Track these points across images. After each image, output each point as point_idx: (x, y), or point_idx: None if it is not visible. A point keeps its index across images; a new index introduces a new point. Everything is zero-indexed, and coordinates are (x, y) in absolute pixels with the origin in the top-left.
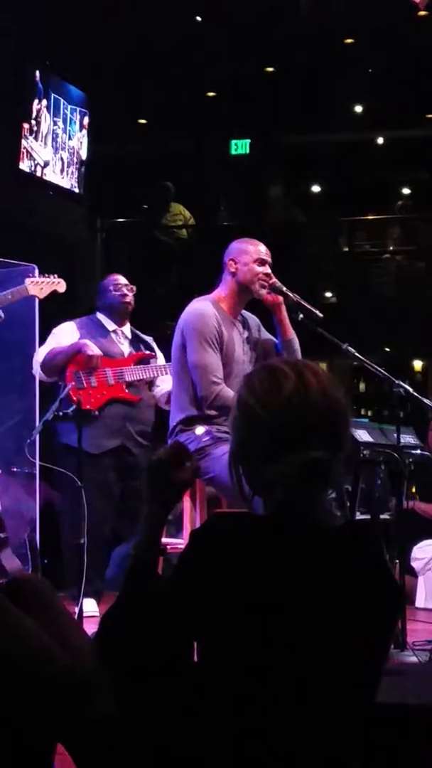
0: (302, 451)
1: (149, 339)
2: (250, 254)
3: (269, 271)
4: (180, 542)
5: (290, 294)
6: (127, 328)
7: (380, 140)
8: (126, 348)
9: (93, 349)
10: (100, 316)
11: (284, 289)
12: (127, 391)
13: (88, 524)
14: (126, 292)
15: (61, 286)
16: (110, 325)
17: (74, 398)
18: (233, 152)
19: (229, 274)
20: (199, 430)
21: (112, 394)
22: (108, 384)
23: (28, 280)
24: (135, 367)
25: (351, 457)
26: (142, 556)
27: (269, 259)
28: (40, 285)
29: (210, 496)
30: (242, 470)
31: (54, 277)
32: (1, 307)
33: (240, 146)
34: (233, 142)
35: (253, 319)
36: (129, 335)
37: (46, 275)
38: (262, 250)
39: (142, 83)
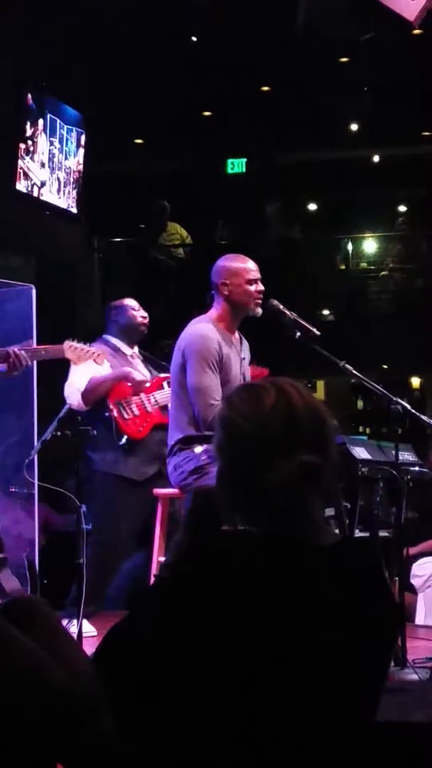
0: (293, 456)
1: (153, 358)
2: (240, 275)
3: (261, 287)
4: None
5: (287, 312)
6: (136, 350)
7: (376, 158)
8: (143, 370)
9: (136, 375)
10: (112, 339)
11: (281, 307)
12: (164, 415)
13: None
14: (144, 314)
15: (100, 358)
16: (126, 349)
17: (123, 428)
18: (230, 171)
19: (222, 296)
20: (198, 449)
21: (155, 420)
22: (147, 411)
23: (66, 344)
24: (165, 391)
25: (348, 474)
26: (163, 579)
27: (259, 275)
28: (78, 352)
29: None
30: (232, 493)
31: (92, 348)
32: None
33: (236, 165)
34: (230, 161)
35: (246, 343)
36: (140, 357)
37: (86, 344)
38: (251, 267)
39: (139, 102)
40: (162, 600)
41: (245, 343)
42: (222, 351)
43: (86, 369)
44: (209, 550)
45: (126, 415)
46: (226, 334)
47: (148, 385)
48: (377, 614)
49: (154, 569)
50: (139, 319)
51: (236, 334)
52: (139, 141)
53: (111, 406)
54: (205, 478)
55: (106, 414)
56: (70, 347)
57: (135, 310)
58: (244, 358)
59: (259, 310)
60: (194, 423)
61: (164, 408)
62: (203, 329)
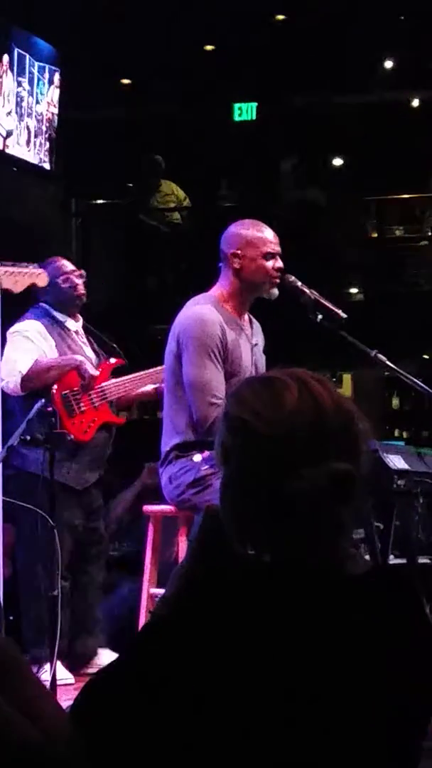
0: (319, 464)
1: (98, 334)
2: (256, 246)
3: (280, 264)
4: None
5: (307, 291)
6: (80, 324)
7: (415, 102)
8: (90, 353)
9: (90, 367)
10: (51, 310)
11: (299, 284)
12: (111, 412)
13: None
14: (76, 280)
15: (41, 278)
16: (71, 323)
17: (68, 428)
18: (237, 118)
19: (232, 270)
20: (198, 457)
21: (102, 418)
22: (94, 407)
23: (0, 269)
24: (116, 382)
25: (381, 488)
26: (160, 616)
27: (279, 249)
28: (15, 276)
29: None
30: (242, 510)
31: (33, 267)
32: None
33: (245, 111)
34: (236, 105)
35: (257, 325)
36: (83, 333)
37: (23, 264)
38: (270, 238)
39: (125, 34)
40: (157, 645)
41: (257, 325)
42: (226, 337)
43: (31, 346)
44: (214, 583)
45: (71, 412)
46: (232, 316)
47: (97, 373)
48: (417, 658)
49: (144, 603)
50: (70, 290)
51: (246, 316)
52: (125, 81)
53: (54, 398)
54: (207, 492)
55: (49, 408)
56: (6, 273)
57: (64, 277)
58: (256, 344)
59: (275, 292)
60: (193, 425)
61: (112, 403)
62: (202, 311)
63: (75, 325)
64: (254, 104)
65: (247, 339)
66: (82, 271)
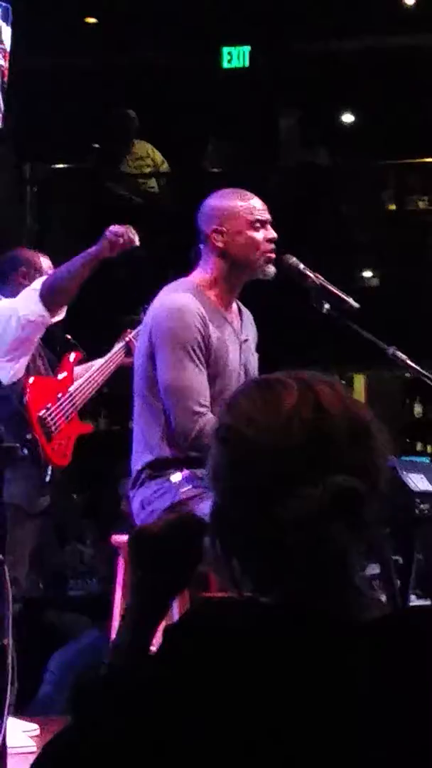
0: (321, 479)
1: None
2: (240, 217)
3: (273, 234)
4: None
5: (311, 274)
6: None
7: None
8: (47, 351)
9: (117, 229)
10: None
11: (301, 267)
12: (79, 421)
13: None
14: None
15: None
16: None
17: (50, 457)
18: (226, 65)
19: (214, 250)
20: (176, 476)
21: (75, 432)
22: (67, 420)
23: None
24: (80, 386)
25: (400, 514)
26: (120, 666)
27: (268, 216)
28: None
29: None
30: (235, 540)
31: None
32: None
33: (236, 56)
34: (226, 50)
35: (248, 316)
36: None
37: None
38: (258, 205)
39: None
40: (114, 706)
41: (247, 317)
42: (209, 332)
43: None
44: (197, 635)
45: (48, 435)
46: (216, 306)
47: (61, 377)
48: None
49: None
50: None
51: (234, 306)
52: (91, 20)
53: (33, 422)
54: None
55: (28, 435)
56: None
57: (38, 270)
58: (246, 340)
59: (272, 269)
60: (170, 438)
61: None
62: (179, 300)
63: None
64: (247, 48)
65: (234, 334)
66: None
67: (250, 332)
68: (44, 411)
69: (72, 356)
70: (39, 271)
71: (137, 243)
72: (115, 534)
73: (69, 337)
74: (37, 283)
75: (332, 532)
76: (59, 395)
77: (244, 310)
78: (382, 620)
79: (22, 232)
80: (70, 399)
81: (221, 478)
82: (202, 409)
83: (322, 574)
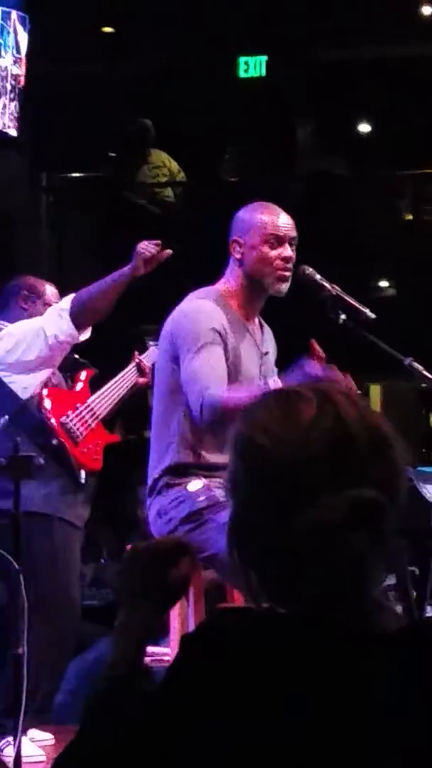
0: (341, 491)
1: None
2: (257, 230)
3: (290, 253)
4: (166, 652)
5: (327, 285)
6: None
7: None
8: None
9: (147, 246)
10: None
11: (318, 277)
12: (106, 431)
13: (56, 623)
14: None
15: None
16: None
17: (81, 460)
18: (243, 74)
19: (236, 260)
20: (194, 485)
21: (102, 440)
22: (90, 427)
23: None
24: (101, 395)
25: (416, 525)
26: (118, 679)
27: (291, 233)
28: None
29: (210, 583)
30: (253, 552)
31: None
32: None
33: (253, 66)
34: (243, 59)
35: (269, 332)
36: None
37: None
38: (278, 222)
39: None
40: (117, 717)
41: (268, 332)
42: (228, 339)
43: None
44: (202, 638)
45: (76, 440)
46: (238, 317)
47: (78, 388)
48: None
49: None
50: None
51: (256, 320)
52: (108, 30)
53: (56, 428)
54: (205, 530)
55: (53, 441)
56: None
57: (48, 302)
58: (266, 353)
59: (284, 287)
60: (188, 443)
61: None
62: (200, 304)
63: None
64: (264, 58)
65: (255, 345)
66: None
67: (271, 347)
68: (65, 417)
69: (84, 374)
70: (41, 298)
71: (169, 253)
72: (130, 544)
73: (77, 356)
74: (66, 302)
75: (351, 544)
76: (77, 405)
77: (266, 326)
78: (399, 631)
79: (40, 241)
80: (89, 408)
81: (239, 487)
82: (213, 388)
83: (340, 585)
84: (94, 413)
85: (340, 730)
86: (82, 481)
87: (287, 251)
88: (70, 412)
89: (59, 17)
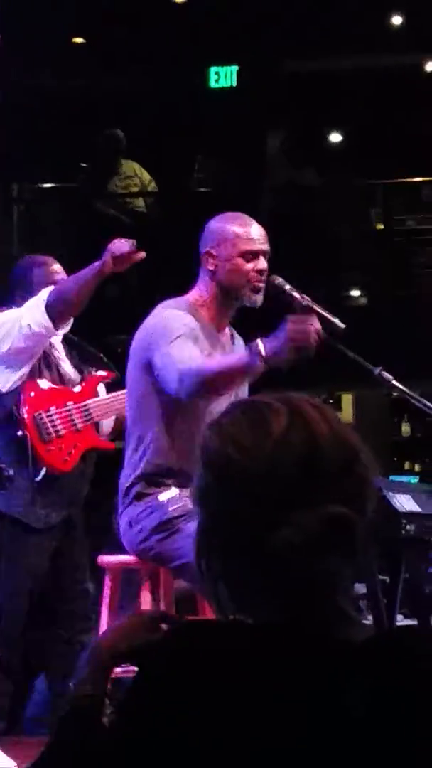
0: (313, 507)
1: (84, 345)
2: (232, 243)
3: (264, 265)
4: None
5: (297, 295)
6: (60, 335)
7: (429, 66)
8: (68, 368)
9: (121, 244)
10: None
11: (288, 287)
12: (98, 435)
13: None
14: (57, 278)
15: None
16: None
17: (44, 458)
18: (213, 84)
19: (208, 271)
20: (165, 494)
21: (87, 443)
22: (76, 429)
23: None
24: (102, 399)
25: (386, 534)
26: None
27: (264, 247)
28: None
29: (181, 593)
30: (219, 562)
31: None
32: None
33: (223, 76)
34: (213, 69)
35: (240, 342)
36: (66, 345)
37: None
38: (252, 233)
39: None
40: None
41: (239, 342)
42: (200, 345)
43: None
44: (178, 653)
45: (46, 436)
46: (209, 327)
47: (77, 389)
48: (426, 748)
49: None
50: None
51: (226, 330)
52: (79, 40)
53: (25, 421)
54: (175, 539)
55: (18, 433)
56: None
57: (47, 276)
58: None
59: (258, 298)
60: (160, 452)
61: (97, 425)
62: (172, 312)
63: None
64: (234, 68)
65: (226, 355)
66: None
67: None
68: (41, 412)
69: (100, 372)
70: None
71: (143, 255)
72: (101, 554)
73: (103, 356)
74: (44, 293)
75: (322, 560)
76: (68, 403)
77: (237, 336)
78: (366, 642)
79: (11, 252)
80: (83, 409)
81: (208, 499)
82: (190, 366)
83: (309, 598)
84: (89, 415)
85: (308, 743)
86: (37, 478)
87: (262, 263)
88: (52, 408)
89: (30, 28)
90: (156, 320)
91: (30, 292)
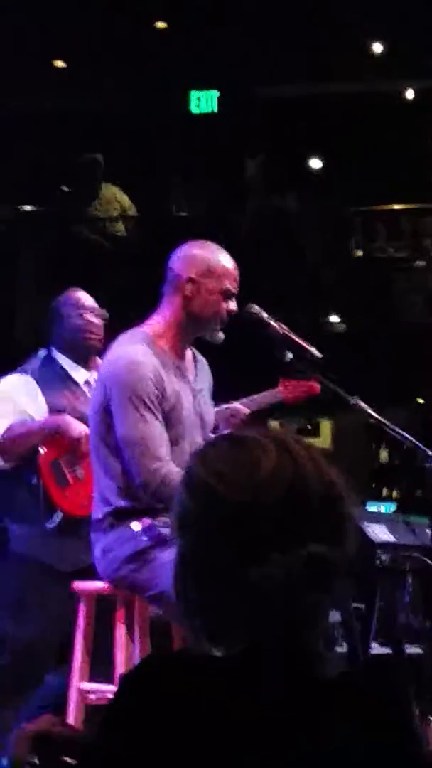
0: (295, 546)
1: None
2: (218, 279)
3: (235, 307)
4: (109, 689)
5: (274, 323)
6: (94, 376)
7: (409, 93)
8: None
9: (76, 427)
10: (58, 356)
11: (264, 316)
12: None
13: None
14: (91, 318)
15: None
16: (76, 372)
17: (57, 502)
18: (194, 110)
19: (181, 296)
20: (137, 525)
21: None
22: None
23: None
24: None
25: (362, 564)
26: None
27: (236, 289)
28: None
29: (155, 620)
30: (195, 592)
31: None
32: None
33: (204, 101)
34: (194, 94)
35: (203, 363)
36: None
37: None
38: (235, 273)
39: (60, 8)
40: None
41: (202, 364)
42: (163, 383)
43: (6, 408)
44: (148, 679)
45: (62, 482)
46: (169, 356)
47: (87, 438)
48: None
49: (74, 700)
50: (81, 327)
51: (188, 354)
52: (59, 64)
53: (40, 467)
54: (149, 569)
55: (33, 480)
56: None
57: (76, 311)
58: (200, 390)
59: (221, 336)
60: (129, 490)
61: None
62: (134, 352)
63: (85, 375)
64: (215, 93)
65: (188, 384)
66: (103, 312)
67: (205, 381)
68: (59, 458)
69: None
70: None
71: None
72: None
73: None
74: (2, 427)
75: (300, 597)
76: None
77: (200, 357)
78: (340, 677)
79: None
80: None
81: (189, 528)
82: (160, 462)
83: (284, 632)
84: None
85: None
86: (50, 525)
87: (234, 305)
88: (71, 453)
89: (10, 51)
90: (117, 367)
91: (61, 326)
